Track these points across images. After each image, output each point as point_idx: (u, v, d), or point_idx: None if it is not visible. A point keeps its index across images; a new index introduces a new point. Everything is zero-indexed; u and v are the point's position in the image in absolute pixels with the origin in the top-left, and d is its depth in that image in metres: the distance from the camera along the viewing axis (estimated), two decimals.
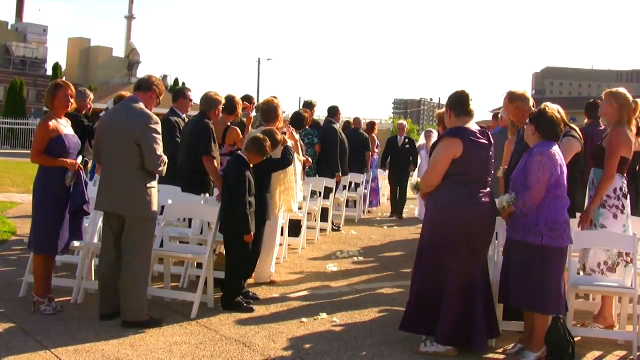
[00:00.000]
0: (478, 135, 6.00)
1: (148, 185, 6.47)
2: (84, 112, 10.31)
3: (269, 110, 8.61)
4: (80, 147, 7.00)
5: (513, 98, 7.16)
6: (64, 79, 8.36)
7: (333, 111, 14.03)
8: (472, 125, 6.08)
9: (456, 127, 6.04)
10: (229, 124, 9.24)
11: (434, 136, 15.23)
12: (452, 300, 5.89)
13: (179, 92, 9.76)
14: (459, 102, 6.10)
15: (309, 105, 13.40)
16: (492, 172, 6.18)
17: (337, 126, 13.74)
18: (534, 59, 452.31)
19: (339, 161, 13.35)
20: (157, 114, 6.65)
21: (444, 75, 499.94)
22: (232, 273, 7.32)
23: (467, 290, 5.91)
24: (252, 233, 7.21)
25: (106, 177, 6.59)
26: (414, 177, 6.12)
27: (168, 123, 9.38)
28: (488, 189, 6.06)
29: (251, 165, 7.38)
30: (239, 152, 7.44)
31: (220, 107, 8.72)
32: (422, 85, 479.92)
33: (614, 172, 6.86)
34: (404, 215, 16.79)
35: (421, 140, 16.98)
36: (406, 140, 16.70)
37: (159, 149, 6.41)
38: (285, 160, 7.78)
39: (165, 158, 6.50)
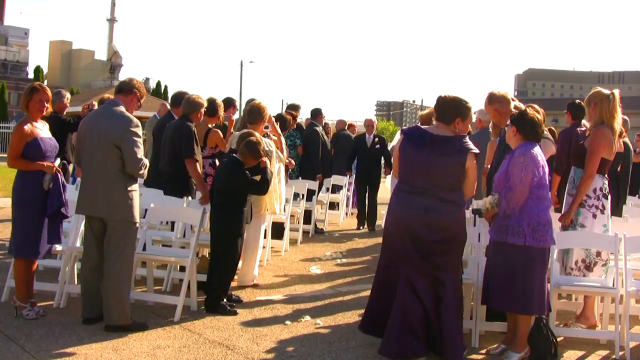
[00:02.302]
0: None
1: (129, 188, 6.46)
2: (64, 112, 10.28)
3: (252, 112, 8.60)
4: (58, 149, 6.94)
5: (492, 100, 7.22)
6: (45, 82, 8.31)
7: (316, 113, 14.11)
8: None
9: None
10: (210, 126, 9.23)
11: None
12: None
13: (180, 98, 9.68)
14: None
15: (293, 108, 13.43)
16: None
17: (320, 128, 13.77)
18: (516, 60, 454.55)
19: (320, 163, 13.42)
20: (140, 117, 6.63)
21: (427, 77, 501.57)
22: (223, 276, 7.32)
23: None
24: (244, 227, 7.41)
25: (87, 180, 6.56)
26: (478, 203, 5.90)
27: (164, 128, 9.36)
28: None
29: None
30: (234, 154, 7.45)
31: (203, 110, 8.71)
32: (405, 87, 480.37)
33: (594, 172, 6.91)
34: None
35: (396, 140, 14.95)
36: (376, 139, 14.47)
37: (140, 153, 6.40)
38: (261, 187, 7.50)
39: (146, 161, 6.49)
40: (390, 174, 13.83)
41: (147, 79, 71.46)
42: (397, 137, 14.11)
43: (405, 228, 5.83)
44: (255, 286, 8.55)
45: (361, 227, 14.56)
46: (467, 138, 5.98)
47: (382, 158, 14.64)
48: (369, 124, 14.68)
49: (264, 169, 7.49)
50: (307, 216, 13.08)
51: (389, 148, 14.72)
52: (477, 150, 5.93)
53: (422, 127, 6.20)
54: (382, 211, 14.76)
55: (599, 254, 6.93)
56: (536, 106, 8.11)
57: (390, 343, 5.74)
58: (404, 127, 6.29)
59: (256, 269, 8.67)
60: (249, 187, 7.39)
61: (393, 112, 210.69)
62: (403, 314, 5.76)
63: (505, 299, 5.92)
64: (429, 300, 5.78)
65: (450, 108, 5.98)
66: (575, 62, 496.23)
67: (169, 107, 10.16)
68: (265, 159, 7.55)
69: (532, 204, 5.87)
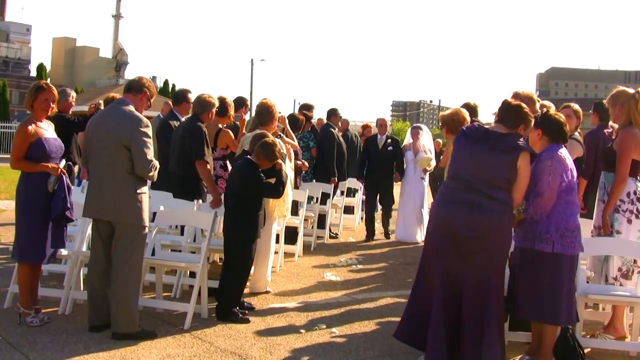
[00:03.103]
0: None
1: (138, 191, 6.47)
2: (69, 112, 10.33)
3: (262, 112, 8.62)
4: (63, 150, 6.96)
5: (518, 100, 7.11)
6: (48, 80, 8.35)
7: (331, 114, 14.06)
8: None
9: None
10: (221, 126, 9.24)
11: (425, 134, 14.11)
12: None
13: (182, 96, 9.82)
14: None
15: (306, 108, 13.41)
16: None
17: (336, 130, 13.77)
18: (539, 59, 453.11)
19: (335, 165, 13.41)
20: (147, 117, 6.64)
21: (445, 76, 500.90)
22: (236, 282, 7.34)
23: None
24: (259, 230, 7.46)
25: (95, 182, 6.58)
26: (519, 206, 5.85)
27: (167, 127, 9.42)
28: None
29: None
30: (249, 157, 7.46)
31: (214, 110, 8.74)
32: (422, 86, 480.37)
33: (626, 176, 6.86)
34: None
35: (407, 140, 14.30)
36: (389, 140, 13.85)
37: (150, 154, 6.41)
38: (276, 190, 7.50)
39: (156, 163, 6.51)
40: (400, 179, 13.82)
41: (154, 77, 71.72)
42: (408, 134, 14.36)
43: (445, 225, 5.84)
44: (267, 293, 8.55)
45: (370, 240, 13.70)
46: (522, 138, 5.95)
47: (395, 162, 13.83)
48: (381, 123, 14.17)
49: (279, 171, 7.49)
50: (321, 220, 13.07)
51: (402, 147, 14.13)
52: (532, 150, 5.90)
53: (482, 124, 6.21)
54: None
55: (635, 261, 6.87)
56: (576, 105, 8.10)
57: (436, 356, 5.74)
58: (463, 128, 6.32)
59: (268, 275, 8.67)
60: (264, 190, 7.40)
61: (409, 112, 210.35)
62: (441, 322, 5.77)
63: (531, 308, 5.90)
64: (469, 306, 5.76)
65: (516, 114, 6.00)
66: (600, 61, 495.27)
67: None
68: (280, 161, 7.56)
69: (560, 209, 5.85)
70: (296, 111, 13.84)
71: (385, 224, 14.11)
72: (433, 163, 13.87)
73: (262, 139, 7.51)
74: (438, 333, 5.75)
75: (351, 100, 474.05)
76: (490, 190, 5.76)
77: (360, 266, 10.94)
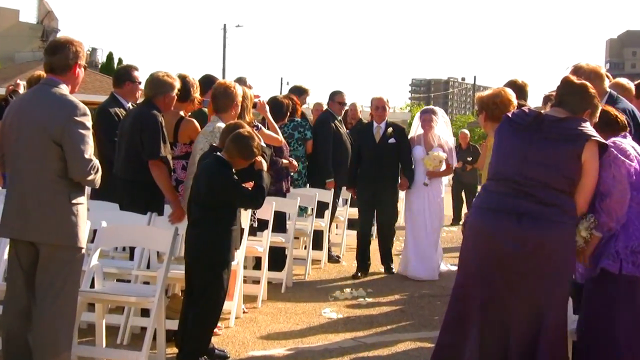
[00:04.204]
0: None
1: (73, 201, 6.42)
2: None
3: (216, 95, 8.70)
4: None
5: (580, 74, 7.04)
6: None
7: (332, 98, 14.04)
8: None
9: None
10: (183, 114, 9.24)
11: (440, 121, 13.09)
12: None
13: (125, 74, 9.88)
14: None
15: (297, 92, 13.41)
16: None
17: (339, 118, 13.84)
18: (609, 21, 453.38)
19: (331, 164, 13.40)
20: (88, 103, 6.61)
21: (482, 46, 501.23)
22: (202, 322, 7.33)
23: None
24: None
25: (14, 191, 6.53)
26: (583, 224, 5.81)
27: (107, 116, 9.43)
28: None
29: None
30: (218, 154, 7.47)
31: (174, 93, 8.73)
32: (450, 60, 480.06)
33: None
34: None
35: (415, 129, 13.30)
36: (390, 130, 12.69)
37: (89, 151, 6.36)
38: (255, 198, 7.53)
39: (97, 163, 6.45)
40: (409, 186, 12.81)
41: (94, 50, 71.51)
42: (416, 120, 13.22)
43: (486, 241, 5.91)
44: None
45: (360, 274, 12.63)
46: (587, 123, 5.99)
47: (399, 162, 12.79)
48: (377, 105, 12.81)
49: (258, 172, 7.51)
50: (318, 239, 13.07)
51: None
52: (600, 139, 5.91)
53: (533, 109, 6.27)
54: (399, 244, 14.33)
55: None
56: (624, 80, 8.10)
57: None
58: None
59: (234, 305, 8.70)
60: (239, 197, 7.42)
61: (434, 93, 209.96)
62: None
63: (603, 354, 5.92)
64: (517, 347, 5.78)
65: (581, 96, 6.08)
66: None
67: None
68: (260, 158, 7.55)
69: (632, 216, 5.92)
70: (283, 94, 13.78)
71: (385, 253, 13.10)
72: (441, 164, 12.74)
73: (235, 130, 7.52)
74: None
75: (358, 79, 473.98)
76: (546, 194, 5.81)
77: (369, 299, 10.92)
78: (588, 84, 6.15)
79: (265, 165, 7.67)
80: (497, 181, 6.03)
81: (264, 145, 8.48)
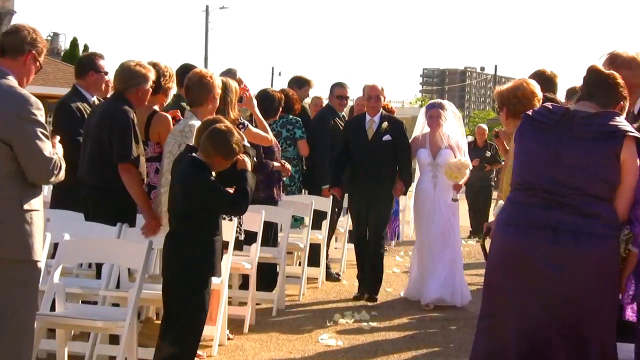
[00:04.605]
0: None
1: (26, 207, 6.31)
2: None
3: (190, 86, 8.65)
4: None
5: (617, 63, 7.03)
6: None
7: (333, 91, 13.94)
8: None
9: None
10: (157, 109, 9.22)
11: (450, 117, 12.39)
12: None
13: (87, 63, 9.85)
14: None
15: (298, 84, 13.39)
16: None
17: (340, 114, 13.77)
18: None
19: (327, 167, 13.17)
20: (45, 97, 6.44)
21: (503, 32, 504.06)
22: (181, 346, 7.26)
23: None
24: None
25: None
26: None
27: (68, 111, 9.52)
28: None
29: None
30: (194, 155, 7.42)
31: (148, 85, 8.69)
32: (466, 47, 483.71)
33: None
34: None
35: (419, 127, 12.66)
36: (384, 125, 12.12)
37: (47, 148, 6.27)
38: (238, 202, 7.46)
39: (58, 160, 6.36)
40: (404, 192, 12.60)
41: (56, 35, 71.85)
42: (421, 117, 12.54)
43: (518, 263, 5.87)
44: None
45: (368, 298, 12.10)
46: (622, 117, 5.97)
47: (396, 162, 12.17)
48: (370, 94, 12.23)
49: (241, 172, 7.47)
50: (314, 253, 13.04)
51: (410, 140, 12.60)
52: (638, 134, 5.86)
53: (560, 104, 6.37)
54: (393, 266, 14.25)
55: None
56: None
57: None
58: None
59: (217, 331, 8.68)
60: (220, 203, 7.38)
61: (449, 85, 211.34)
62: None
63: None
64: None
65: (611, 88, 6.07)
66: None
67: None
68: (243, 156, 7.49)
69: None
70: (286, 87, 13.80)
71: (372, 271, 12.28)
72: (468, 172, 12.09)
73: (212, 125, 7.45)
74: None
75: (361, 69, 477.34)
76: (585, 202, 5.78)
77: (374, 324, 10.81)
78: (616, 73, 6.15)
79: (249, 165, 7.62)
80: (524, 191, 5.98)
81: (248, 144, 8.47)
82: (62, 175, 6.38)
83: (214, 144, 7.29)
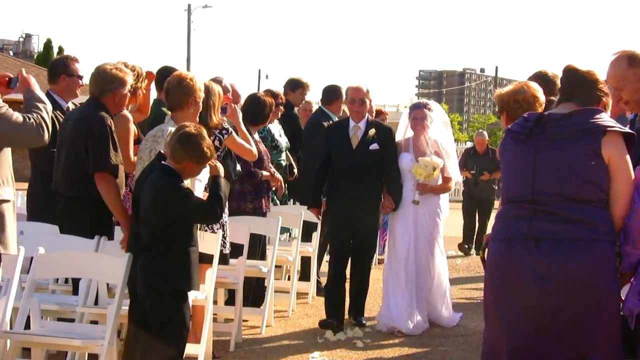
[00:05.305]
0: None
1: None
2: None
3: (169, 90, 8.60)
4: None
5: (634, 62, 6.75)
6: None
7: (329, 96, 13.68)
8: None
9: None
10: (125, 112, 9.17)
11: (436, 119, 11.53)
12: None
13: (59, 66, 9.82)
14: None
15: (292, 86, 13.30)
16: None
17: (334, 119, 13.37)
18: None
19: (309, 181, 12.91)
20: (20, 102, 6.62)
21: (504, 32, 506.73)
22: None
23: None
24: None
25: None
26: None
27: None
28: None
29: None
30: (163, 162, 7.37)
31: (126, 90, 8.63)
32: (465, 48, 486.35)
33: None
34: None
35: (402, 130, 11.84)
36: (371, 132, 11.20)
37: (20, 117, 6.43)
38: (211, 210, 7.34)
39: (38, 119, 6.50)
40: (395, 207, 11.17)
41: (29, 37, 72.23)
42: (404, 119, 11.80)
43: (505, 277, 5.85)
44: None
45: (335, 328, 10.77)
46: (603, 113, 5.90)
47: (384, 175, 11.30)
48: (354, 97, 11.30)
49: (214, 178, 7.47)
50: (305, 267, 12.99)
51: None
52: (622, 128, 5.81)
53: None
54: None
55: None
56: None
57: None
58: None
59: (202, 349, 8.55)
60: (190, 210, 7.29)
61: (447, 88, 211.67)
62: None
63: None
64: None
65: (592, 85, 6.05)
66: None
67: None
68: (214, 162, 7.47)
69: None
70: (277, 90, 13.58)
71: (356, 296, 11.54)
72: (437, 174, 11.09)
73: (182, 129, 7.38)
74: None
75: (353, 72, 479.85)
76: (568, 209, 5.71)
77: (368, 341, 10.62)
78: (593, 70, 6.15)
79: (222, 171, 7.62)
80: (511, 205, 6.03)
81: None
82: (46, 136, 6.67)
83: (184, 148, 7.25)
